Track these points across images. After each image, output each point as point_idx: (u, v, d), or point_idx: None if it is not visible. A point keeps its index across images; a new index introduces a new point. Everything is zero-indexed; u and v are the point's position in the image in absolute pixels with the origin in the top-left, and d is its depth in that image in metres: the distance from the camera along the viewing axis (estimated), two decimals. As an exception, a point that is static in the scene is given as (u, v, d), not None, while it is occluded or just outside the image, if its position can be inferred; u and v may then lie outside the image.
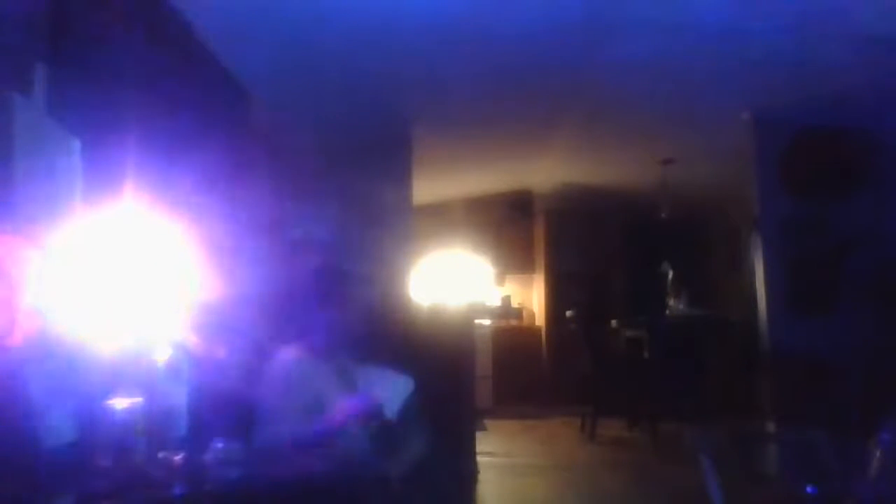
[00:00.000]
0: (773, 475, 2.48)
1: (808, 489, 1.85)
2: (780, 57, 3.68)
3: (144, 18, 2.33)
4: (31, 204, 1.55)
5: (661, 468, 4.38)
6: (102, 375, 1.66)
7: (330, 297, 2.34)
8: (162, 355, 1.87)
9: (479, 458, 3.93)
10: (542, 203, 7.65)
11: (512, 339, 7.41)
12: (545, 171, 6.53)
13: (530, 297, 7.98)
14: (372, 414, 2.08)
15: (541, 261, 7.75)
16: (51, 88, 1.69)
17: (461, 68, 3.81)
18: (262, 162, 3.69)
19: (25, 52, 1.63)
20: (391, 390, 2.33)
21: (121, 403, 1.62)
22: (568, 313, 5.95)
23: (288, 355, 2.28)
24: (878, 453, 1.78)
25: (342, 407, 2.11)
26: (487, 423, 5.82)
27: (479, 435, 4.21)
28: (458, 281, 7.43)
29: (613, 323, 6.19)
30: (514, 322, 7.72)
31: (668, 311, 6.05)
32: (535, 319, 7.83)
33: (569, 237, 7.61)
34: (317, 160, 4.74)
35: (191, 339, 1.94)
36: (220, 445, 1.80)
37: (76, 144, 1.74)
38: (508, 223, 7.71)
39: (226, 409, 2.00)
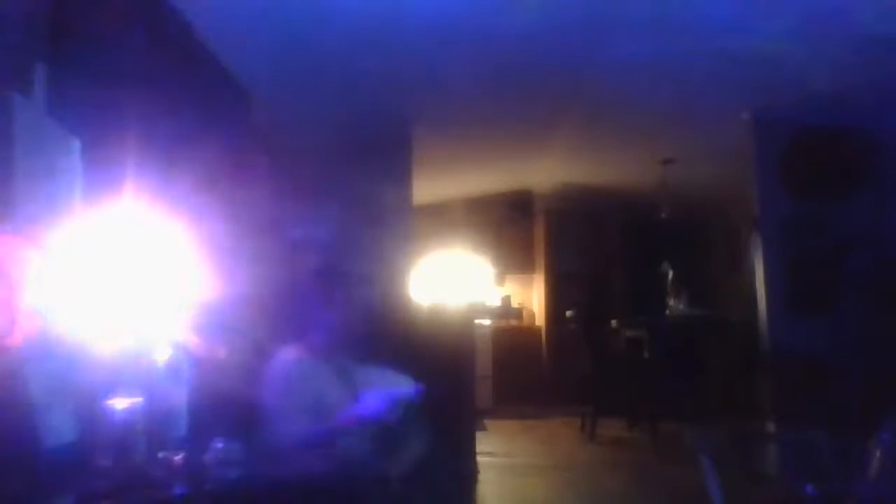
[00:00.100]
0: (773, 475, 2.48)
1: (808, 489, 1.85)
2: (780, 57, 3.68)
3: (144, 18, 2.33)
4: (31, 204, 1.55)
5: (661, 468, 4.38)
6: (102, 375, 1.66)
7: (330, 298, 2.34)
8: (162, 355, 1.87)
9: (479, 458, 3.93)
10: (542, 203, 7.65)
11: (512, 339, 7.41)
12: (545, 171, 6.53)
13: (530, 297, 7.98)
14: (389, 412, 2.08)
15: (541, 261, 7.75)
16: (51, 88, 1.69)
17: (461, 68, 3.81)
18: (262, 162, 3.69)
19: (25, 52, 1.63)
20: (392, 390, 2.33)
21: (121, 403, 1.62)
22: (568, 313, 5.95)
23: (288, 355, 2.28)
24: (878, 453, 1.78)
25: (359, 405, 2.12)
26: (487, 423, 5.82)
27: (479, 435, 4.21)
28: (458, 281, 7.43)
29: (613, 323, 6.19)
30: (514, 322, 7.72)
31: (668, 311, 6.06)
32: (535, 319, 7.83)
33: (569, 237, 7.61)
34: (317, 160, 4.74)
35: (191, 339, 1.94)
36: (220, 445, 1.80)
37: (76, 144, 1.74)
38: (508, 223, 7.71)
39: (226, 409, 2.00)
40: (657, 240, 6.96)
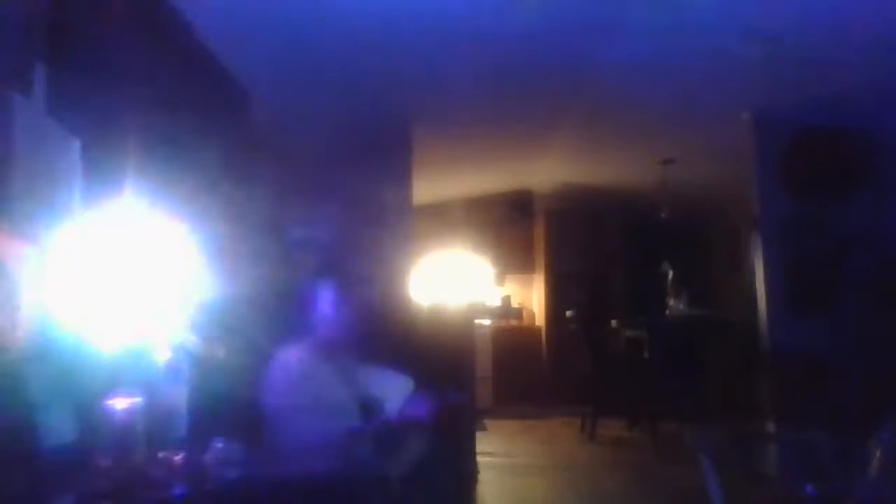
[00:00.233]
0: (773, 475, 2.48)
1: (808, 489, 1.85)
2: (780, 57, 3.68)
3: (144, 18, 2.33)
4: (31, 204, 1.55)
5: (661, 468, 4.38)
6: (102, 375, 1.66)
7: (329, 298, 2.35)
8: (162, 355, 1.87)
9: (479, 458, 3.93)
10: (542, 203, 7.65)
11: (512, 339, 7.42)
12: (545, 171, 6.53)
13: (530, 297, 7.98)
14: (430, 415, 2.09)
15: (541, 261, 7.75)
16: (51, 88, 1.69)
17: (461, 68, 3.81)
18: (262, 162, 3.69)
19: (25, 52, 1.63)
20: (392, 390, 2.34)
21: (121, 403, 1.62)
22: (568, 313, 5.95)
23: (288, 355, 2.28)
24: (878, 453, 1.78)
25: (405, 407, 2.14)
26: (487, 423, 5.82)
27: (479, 435, 4.21)
28: (458, 281, 7.43)
29: (613, 323, 6.19)
30: (514, 322, 7.72)
31: (668, 311, 6.06)
32: (535, 319, 7.83)
33: (569, 237, 7.62)
34: (317, 160, 4.74)
35: (191, 339, 1.94)
36: (220, 445, 1.80)
37: (76, 144, 1.74)
38: (508, 223, 7.71)
39: (226, 409, 2.00)
40: (657, 240, 6.96)
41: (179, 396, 1.91)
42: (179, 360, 1.91)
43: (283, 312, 2.40)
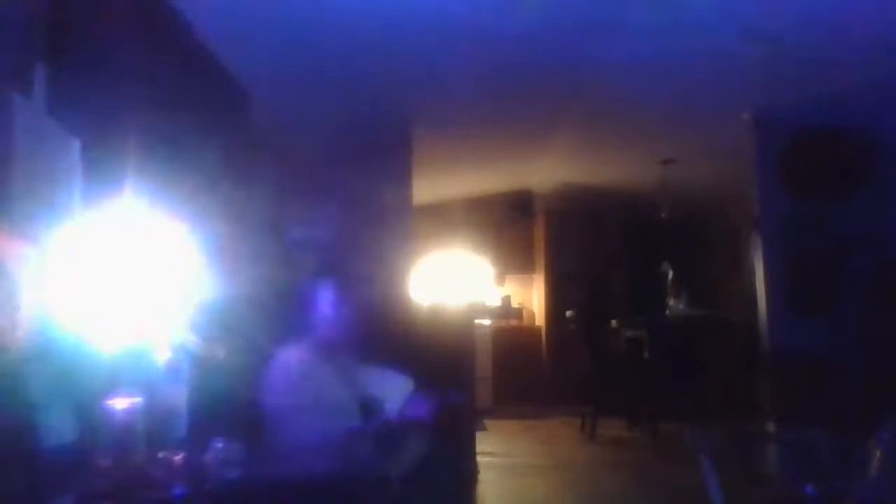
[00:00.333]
0: (773, 475, 2.48)
1: (808, 489, 1.85)
2: (780, 57, 3.68)
3: (144, 18, 2.33)
4: (31, 204, 1.55)
5: (661, 468, 4.38)
6: (102, 375, 1.66)
7: (330, 298, 2.35)
8: (162, 355, 1.87)
9: (479, 458, 3.93)
10: (542, 203, 7.65)
11: (512, 339, 7.41)
12: (545, 171, 6.53)
13: (530, 297, 7.98)
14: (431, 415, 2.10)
15: (541, 261, 7.75)
16: (51, 88, 1.69)
17: (461, 68, 3.81)
18: (262, 162, 3.69)
19: (25, 52, 1.63)
20: (392, 390, 2.34)
21: (121, 403, 1.62)
22: (568, 313, 5.95)
23: (288, 355, 2.28)
24: (878, 453, 1.78)
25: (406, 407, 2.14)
26: (487, 423, 5.82)
27: (479, 435, 4.21)
28: (458, 281, 7.43)
29: (613, 323, 6.19)
30: (514, 322, 7.72)
31: (668, 311, 6.06)
32: (535, 319, 7.83)
33: (569, 237, 7.62)
34: (317, 160, 4.73)
35: (191, 339, 1.94)
36: (220, 445, 1.80)
37: (76, 144, 1.74)
38: (508, 223, 7.71)
39: (226, 409, 2.00)
40: (657, 240, 6.96)
41: (179, 396, 1.91)
42: (179, 360, 1.91)
43: (283, 312, 2.40)
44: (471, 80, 4.00)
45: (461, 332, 3.72)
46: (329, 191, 4.66)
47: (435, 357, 3.02)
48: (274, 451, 2.08)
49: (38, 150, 1.60)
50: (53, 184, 1.65)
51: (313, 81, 3.80)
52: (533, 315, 7.88)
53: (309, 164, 4.66)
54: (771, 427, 4.56)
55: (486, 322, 7.26)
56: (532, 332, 7.67)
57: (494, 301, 7.69)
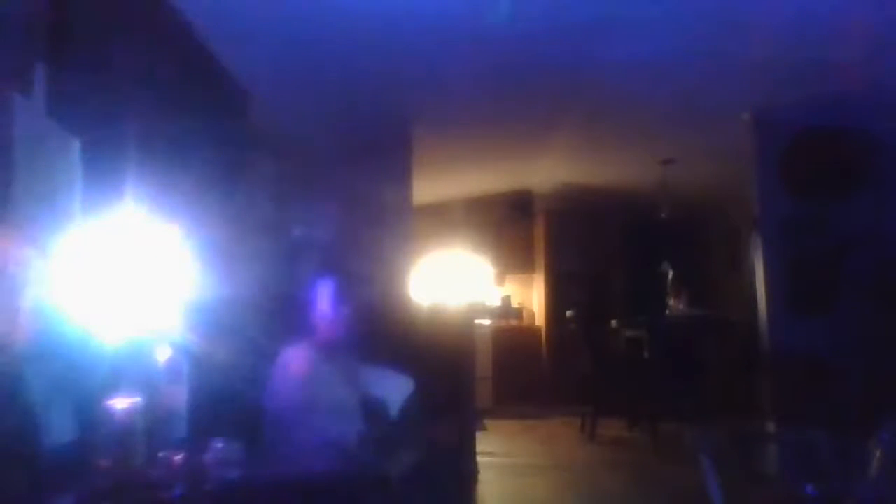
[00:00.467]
0: (773, 475, 2.48)
1: (808, 489, 1.85)
2: (780, 57, 3.68)
3: (144, 18, 2.33)
4: (31, 204, 1.55)
5: (661, 468, 4.38)
6: (102, 375, 1.66)
7: (330, 298, 2.35)
8: (162, 355, 1.87)
9: (479, 458, 3.93)
10: (542, 203, 7.65)
11: (512, 339, 7.41)
12: (545, 171, 6.53)
13: (530, 297, 7.98)
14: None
15: (541, 261, 7.75)
16: (51, 88, 1.69)
17: (461, 68, 3.81)
18: (261, 162, 3.69)
19: (25, 52, 1.63)
20: (392, 390, 2.34)
21: (121, 403, 1.62)
22: (568, 313, 5.95)
23: (288, 355, 2.28)
24: (878, 453, 1.78)
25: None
26: (487, 423, 5.82)
27: (479, 435, 4.21)
28: (458, 281, 7.43)
29: (613, 323, 6.19)
30: (514, 322, 7.72)
31: (668, 311, 6.05)
32: (535, 319, 7.83)
33: (569, 237, 7.61)
34: (317, 160, 4.74)
35: (191, 339, 1.94)
36: (220, 445, 1.80)
37: (76, 144, 1.74)
38: (508, 223, 7.71)
39: (226, 409, 2.00)
40: (657, 240, 6.96)
41: (179, 396, 1.91)
42: (179, 360, 1.91)
43: (283, 312, 2.40)
44: (471, 80, 4.00)
45: (461, 332, 3.71)
46: (329, 191, 4.66)
47: (435, 357, 3.02)
48: (274, 451, 2.08)
49: (38, 150, 1.60)
50: (53, 184, 1.65)
51: (313, 81, 3.80)
52: (533, 315, 7.88)
53: (309, 164, 4.66)
54: (771, 427, 4.56)
55: (486, 322, 7.25)
56: (532, 332, 7.67)
57: (494, 301, 7.69)
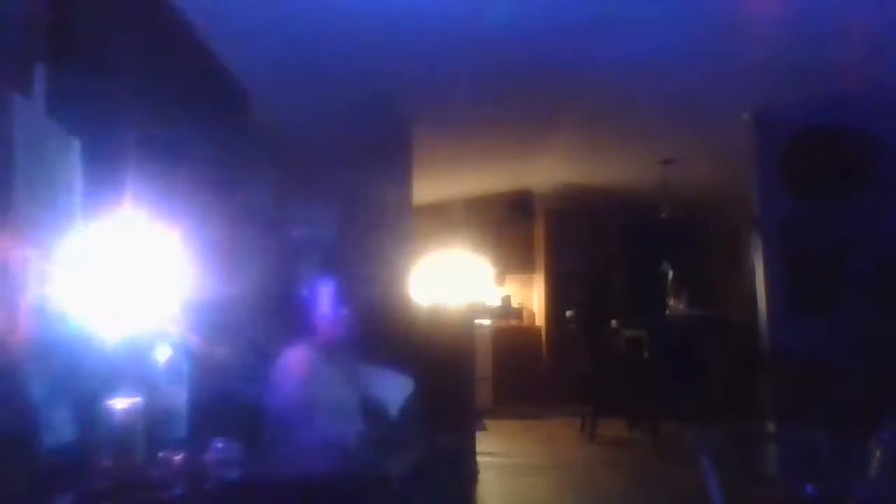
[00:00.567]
0: (773, 475, 2.48)
1: (808, 489, 1.85)
2: (780, 57, 3.68)
3: (144, 18, 2.33)
4: (31, 204, 1.55)
5: (661, 468, 4.38)
6: (102, 375, 1.66)
7: (330, 298, 2.35)
8: (162, 355, 1.87)
9: (479, 458, 3.93)
10: (542, 203, 7.65)
11: (512, 339, 7.41)
12: (545, 171, 6.53)
13: (530, 297, 7.98)
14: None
15: (541, 261, 7.75)
16: (51, 88, 1.69)
17: (461, 68, 3.81)
18: (262, 162, 3.69)
19: (25, 52, 1.63)
20: (392, 390, 2.34)
21: (121, 403, 1.62)
22: (568, 313, 5.95)
23: (289, 356, 2.28)
24: (878, 453, 1.78)
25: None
26: (487, 423, 5.82)
27: (479, 435, 4.21)
28: (458, 281, 7.43)
29: (613, 323, 6.19)
30: (514, 322, 7.72)
31: (668, 311, 6.05)
32: (535, 319, 7.83)
33: (569, 237, 7.61)
34: (317, 160, 4.74)
35: (191, 339, 1.94)
36: (220, 445, 1.80)
37: (76, 144, 1.74)
38: (508, 223, 7.71)
39: (226, 409, 2.00)
40: (657, 240, 6.96)
41: (179, 396, 1.91)
42: (179, 360, 1.91)
43: (283, 312, 2.40)
44: (471, 80, 4.00)
45: (461, 332, 3.71)
46: (329, 191, 4.66)
47: (435, 357, 3.02)
48: (274, 451, 2.08)
49: (38, 150, 1.60)
50: (53, 184, 1.65)
51: (313, 81, 3.80)
52: (533, 315, 7.88)
53: (309, 164, 4.66)
54: (771, 427, 4.56)
55: (486, 322, 7.26)
56: (532, 332, 7.67)
57: (494, 301, 7.69)
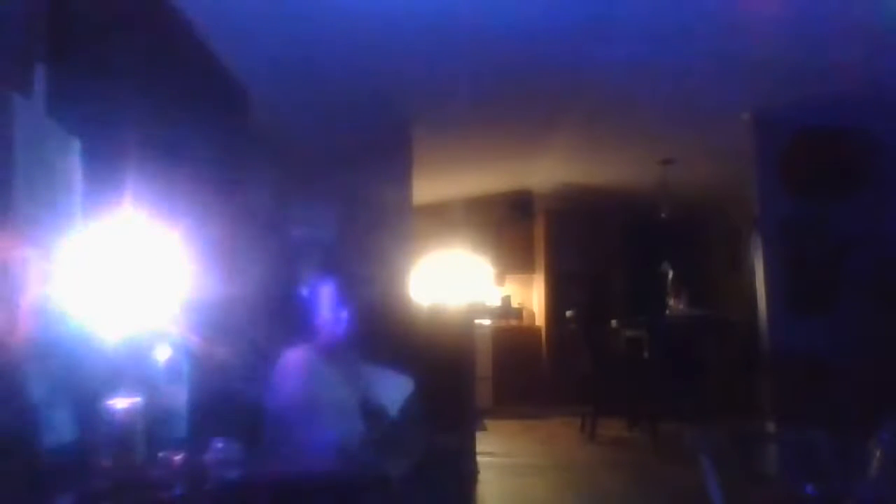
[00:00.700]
0: (773, 475, 2.48)
1: (808, 489, 1.85)
2: (780, 57, 3.68)
3: (144, 18, 2.33)
4: (31, 204, 1.55)
5: (661, 468, 4.37)
6: (102, 375, 1.66)
7: (330, 298, 2.35)
8: (162, 355, 1.87)
9: (479, 458, 3.93)
10: (542, 203, 7.65)
11: (512, 339, 7.41)
12: (545, 171, 6.53)
13: (530, 297, 7.98)
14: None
15: (541, 261, 7.75)
16: (51, 88, 1.69)
17: (461, 68, 3.81)
18: (262, 162, 3.69)
19: (25, 52, 1.63)
20: (392, 390, 2.34)
21: (121, 403, 1.62)
22: (568, 313, 5.95)
23: (289, 356, 2.28)
24: (878, 453, 1.78)
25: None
26: (487, 423, 5.82)
27: (479, 435, 4.21)
28: (458, 281, 7.43)
29: (613, 323, 6.19)
30: (514, 322, 7.72)
31: (668, 311, 6.05)
32: (535, 319, 7.83)
33: (569, 237, 7.61)
34: (317, 160, 4.74)
35: (191, 339, 1.94)
36: (220, 445, 1.80)
37: (76, 144, 1.74)
38: (508, 223, 7.71)
39: (226, 409, 2.00)
40: (657, 240, 6.96)
41: (179, 396, 1.91)
42: (179, 360, 1.91)
43: (283, 312, 2.40)
44: (471, 80, 4.00)
45: (461, 332, 3.71)
46: (329, 191, 4.66)
47: (435, 357, 3.02)
48: (274, 451, 2.08)
49: (38, 150, 1.60)
50: (53, 184, 1.65)
51: (313, 81, 3.80)
52: (533, 315, 7.88)
53: (309, 164, 4.66)
54: (771, 427, 4.56)
55: (486, 322, 7.26)
56: (532, 332, 7.67)
57: (494, 301, 7.69)
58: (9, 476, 1.40)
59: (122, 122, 2.00)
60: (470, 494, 3.45)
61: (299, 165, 4.50)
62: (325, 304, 2.35)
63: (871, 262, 4.51)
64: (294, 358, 2.27)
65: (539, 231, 7.79)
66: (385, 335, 2.65)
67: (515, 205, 7.64)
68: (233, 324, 2.16)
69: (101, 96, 1.91)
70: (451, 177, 6.49)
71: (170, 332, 1.89)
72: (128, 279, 1.78)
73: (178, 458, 1.71)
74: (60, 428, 1.57)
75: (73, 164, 1.73)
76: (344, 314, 2.35)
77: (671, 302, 6.10)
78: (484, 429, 5.50)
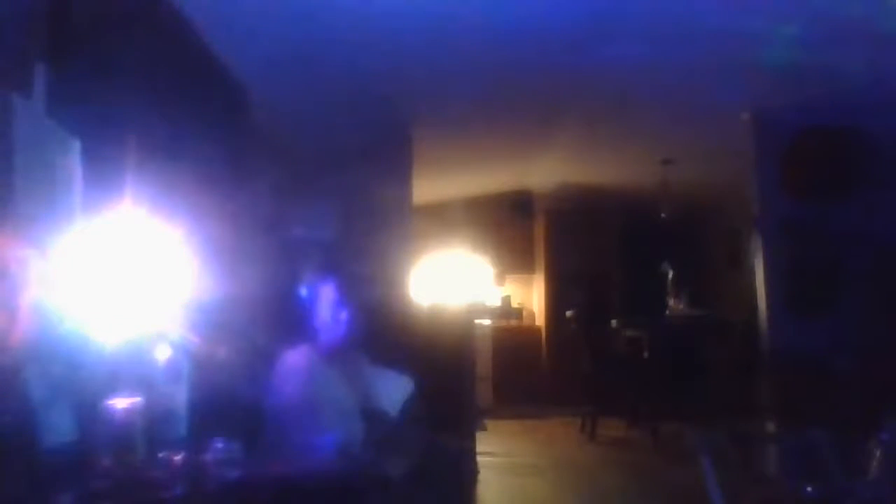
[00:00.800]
0: (773, 475, 2.48)
1: (808, 489, 1.85)
2: (780, 57, 3.68)
3: (144, 18, 2.33)
4: (31, 204, 1.55)
5: (661, 468, 4.38)
6: (102, 375, 1.66)
7: (330, 298, 2.35)
8: (162, 355, 1.87)
9: (479, 458, 3.93)
10: (542, 203, 7.65)
11: (512, 339, 7.42)
12: (545, 171, 6.53)
13: (530, 297, 7.98)
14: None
15: (541, 261, 7.75)
16: (51, 88, 1.69)
17: (461, 68, 3.81)
18: (262, 162, 3.69)
19: (25, 52, 1.63)
20: (392, 390, 2.34)
21: (121, 403, 1.62)
22: (568, 313, 5.95)
23: (289, 356, 2.28)
24: (878, 453, 1.78)
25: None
26: (487, 423, 5.82)
27: (479, 435, 4.21)
28: (458, 281, 7.43)
29: (613, 323, 6.19)
30: (514, 322, 7.72)
31: (667, 312, 6.05)
32: (535, 319, 7.83)
33: (569, 237, 7.61)
34: (317, 160, 4.73)
35: (191, 339, 1.94)
36: (220, 445, 1.80)
37: (76, 144, 1.74)
38: (508, 223, 7.71)
39: (226, 409, 2.00)
40: (657, 240, 6.96)
41: (179, 396, 1.90)
42: (179, 360, 1.91)
43: (283, 312, 2.40)
44: (471, 80, 4.00)
45: (461, 333, 3.71)
46: (329, 191, 4.66)
47: (435, 357, 3.02)
48: (274, 452, 2.08)
49: (38, 151, 1.59)
50: (53, 184, 1.65)
51: (313, 81, 3.80)
52: (533, 315, 7.88)
53: (309, 164, 4.66)
54: (771, 427, 4.55)
55: (486, 322, 7.26)
56: (532, 332, 7.67)
57: (494, 301, 7.69)
58: (9, 476, 1.40)
59: (122, 122, 2.00)
60: (470, 494, 3.46)
61: (299, 165, 4.50)
62: (325, 303, 2.35)
63: (870, 262, 4.51)
64: (294, 358, 2.27)
65: (539, 231, 7.79)
66: (385, 335, 2.65)
67: (515, 205, 7.65)
68: (233, 324, 2.16)
69: (101, 96, 1.90)
70: (451, 177, 6.49)
71: (170, 332, 1.89)
72: (128, 279, 1.77)
73: (178, 458, 1.71)
74: (60, 428, 1.57)
75: (73, 164, 1.73)
76: (344, 314, 2.35)
77: (671, 302, 6.10)
78: (484, 429, 5.50)
